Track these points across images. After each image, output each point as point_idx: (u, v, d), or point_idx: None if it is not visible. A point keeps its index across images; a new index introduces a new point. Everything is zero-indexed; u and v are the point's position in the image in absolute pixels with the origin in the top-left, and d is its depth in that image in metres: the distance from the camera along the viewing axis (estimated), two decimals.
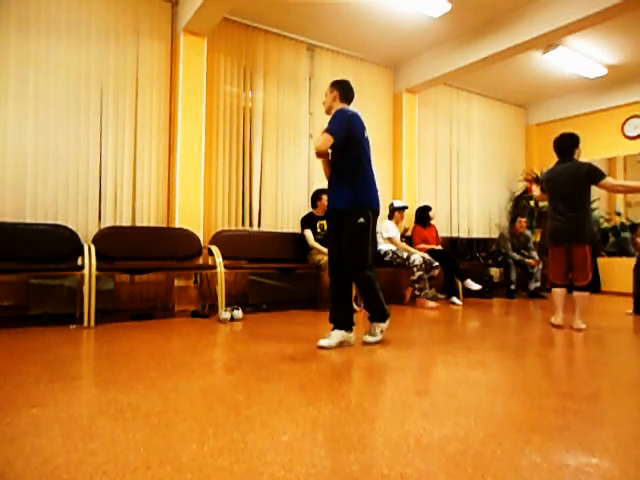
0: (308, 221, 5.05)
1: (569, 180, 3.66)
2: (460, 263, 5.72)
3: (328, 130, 2.83)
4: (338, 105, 3.01)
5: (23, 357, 2.52)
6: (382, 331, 3.04)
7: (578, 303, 3.69)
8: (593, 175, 3.58)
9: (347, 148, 2.90)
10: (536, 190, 3.85)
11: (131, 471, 1.20)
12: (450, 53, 5.70)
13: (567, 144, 3.77)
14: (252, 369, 2.31)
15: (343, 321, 2.96)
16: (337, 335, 2.91)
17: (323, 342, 2.86)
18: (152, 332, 3.38)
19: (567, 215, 3.67)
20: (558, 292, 3.83)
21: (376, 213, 2.98)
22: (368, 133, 3.05)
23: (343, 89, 3.05)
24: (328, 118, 2.98)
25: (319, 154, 2.94)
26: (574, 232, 3.63)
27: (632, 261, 6.74)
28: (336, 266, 2.98)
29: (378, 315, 3.03)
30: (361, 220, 2.86)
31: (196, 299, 4.63)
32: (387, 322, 3.06)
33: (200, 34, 4.69)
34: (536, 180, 7.45)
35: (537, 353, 2.84)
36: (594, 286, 3.65)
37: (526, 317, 4.46)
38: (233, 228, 5.13)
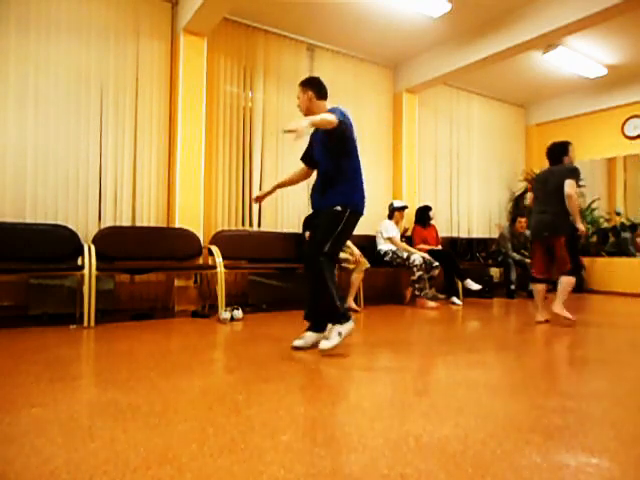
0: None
1: (554, 179, 3.89)
2: (460, 263, 5.72)
3: (333, 111, 2.67)
4: (316, 104, 2.87)
5: (23, 357, 2.52)
6: (340, 334, 2.63)
7: (560, 285, 3.87)
8: (566, 174, 3.82)
9: (346, 147, 2.82)
10: (529, 198, 4.21)
11: (131, 471, 1.20)
12: (450, 53, 5.70)
13: (557, 150, 4.03)
14: (252, 369, 2.31)
15: (315, 321, 2.87)
16: (311, 336, 2.84)
17: (297, 342, 2.82)
18: (152, 332, 3.38)
19: (546, 210, 3.93)
20: (538, 288, 4.06)
21: (358, 214, 2.85)
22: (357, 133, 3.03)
23: (317, 87, 2.89)
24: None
25: (328, 123, 2.59)
26: (550, 225, 3.88)
27: (632, 261, 6.79)
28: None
29: (332, 316, 2.70)
30: (337, 208, 2.75)
31: (196, 299, 4.63)
32: (348, 324, 2.67)
33: (200, 34, 4.69)
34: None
35: (537, 353, 2.84)
36: (577, 272, 3.84)
37: (526, 317, 4.46)
38: (233, 228, 5.13)
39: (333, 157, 2.82)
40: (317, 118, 2.56)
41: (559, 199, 3.81)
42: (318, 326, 2.85)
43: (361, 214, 2.88)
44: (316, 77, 2.99)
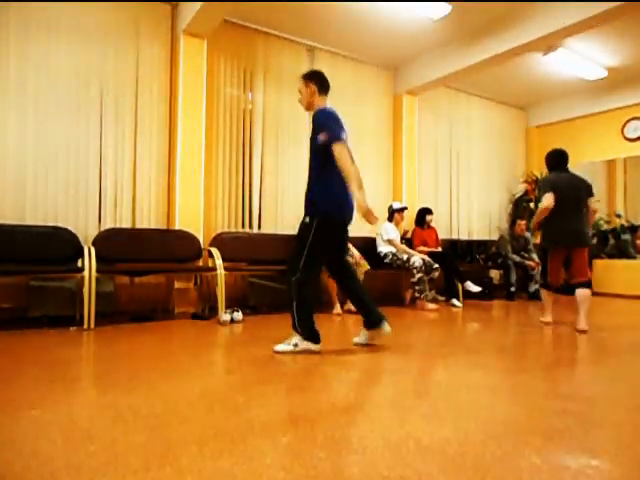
0: None
1: (579, 188, 3.86)
2: (460, 265, 5.72)
3: (334, 138, 2.61)
4: (318, 100, 2.81)
5: (23, 359, 2.51)
6: (296, 346, 2.73)
7: (582, 303, 3.72)
8: (589, 190, 3.88)
9: (328, 151, 2.64)
10: (549, 199, 3.80)
11: (131, 473, 1.20)
12: (450, 55, 5.70)
13: (565, 157, 4.01)
14: (252, 371, 2.30)
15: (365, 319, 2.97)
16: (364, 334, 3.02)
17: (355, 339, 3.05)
18: (152, 334, 3.38)
19: (572, 219, 3.83)
20: (550, 293, 4.04)
21: (332, 221, 2.74)
22: (348, 133, 2.88)
23: (320, 81, 2.82)
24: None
25: (348, 166, 2.60)
26: (579, 235, 3.82)
27: (633, 263, 6.79)
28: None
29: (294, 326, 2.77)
30: (306, 220, 2.73)
31: (196, 301, 4.63)
32: (306, 343, 2.73)
33: (200, 36, 4.70)
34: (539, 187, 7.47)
35: (537, 355, 2.83)
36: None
37: (526, 319, 4.46)
38: (233, 230, 5.13)
39: (314, 159, 2.77)
40: (353, 179, 2.59)
41: (582, 209, 3.85)
42: (366, 323, 2.95)
43: (338, 222, 2.76)
44: (319, 70, 2.90)
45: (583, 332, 3.64)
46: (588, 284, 3.79)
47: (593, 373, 2.36)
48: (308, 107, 2.86)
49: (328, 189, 2.70)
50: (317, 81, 2.81)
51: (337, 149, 2.60)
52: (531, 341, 3.28)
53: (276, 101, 5.51)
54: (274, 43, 5.49)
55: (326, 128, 2.65)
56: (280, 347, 2.76)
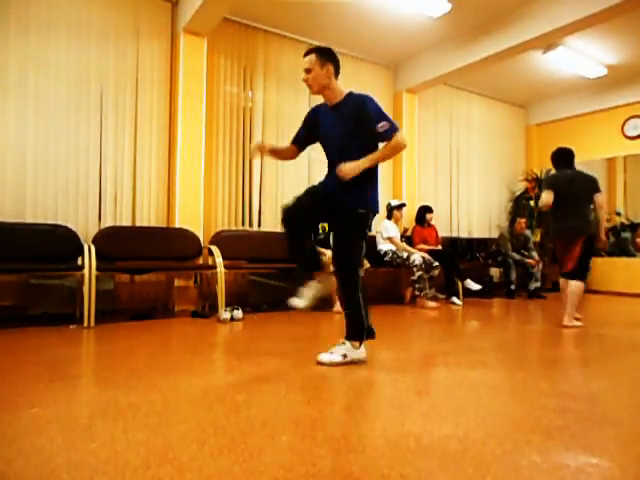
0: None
1: (581, 185, 3.86)
2: (460, 263, 5.72)
3: (397, 127, 2.42)
4: (335, 84, 2.48)
5: (23, 357, 2.51)
6: (345, 357, 2.38)
7: (569, 296, 3.75)
8: (594, 185, 3.85)
9: (369, 141, 2.45)
10: (548, 196, 3.88)
11: (131, 471, 1.20)
12: (450, 53, 5.69)
13: (571, 156, 4.02)
14: (252, 369, 2.30)
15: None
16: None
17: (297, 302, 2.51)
18: (152, 332, 3.38)
19: (570, 216, 3.84)
20: (565, 285, 3.88)
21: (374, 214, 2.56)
22: None
23: (337, 63, 2.47)
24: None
25: (401, 148, 2.45)
26: (574, 229, 3.82)
27: (632, 261, 6.79)
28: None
29: (352, 331, 2.44)
30: (361, 211, 2.46)
31: (196, 299, 4.63)
32: (358, 352, 2.42)
33: (200, 34, 4.69)
34: (539, 185, 7.45)
35: (537, 353, 2.84)
36: (582, 277, 3.81)
37: (526, 317, 4.46)
38: (233, 228, 5.13)
39: (358, 149, 2.40)
40: (387, 151, 2.37)
41: (585, 204, 3.85)
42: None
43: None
44: (332, 49, 2.51)
45: (565, 327, 3.67)
46: (572, 275, 3.78)
47: (593, 371, 2.36)
48: (319, 90, 2.47)
49: (375, 182, 2.51)
50: (334, 63, 2.46)
51: (400, 136, 2.39)
52: (531, 339, 3.29)
53: (276, 99, 5.50)
54: (274, 41, 5.48)
55: (386, 118, 2.41)
56: (327, 358, 2.38)
